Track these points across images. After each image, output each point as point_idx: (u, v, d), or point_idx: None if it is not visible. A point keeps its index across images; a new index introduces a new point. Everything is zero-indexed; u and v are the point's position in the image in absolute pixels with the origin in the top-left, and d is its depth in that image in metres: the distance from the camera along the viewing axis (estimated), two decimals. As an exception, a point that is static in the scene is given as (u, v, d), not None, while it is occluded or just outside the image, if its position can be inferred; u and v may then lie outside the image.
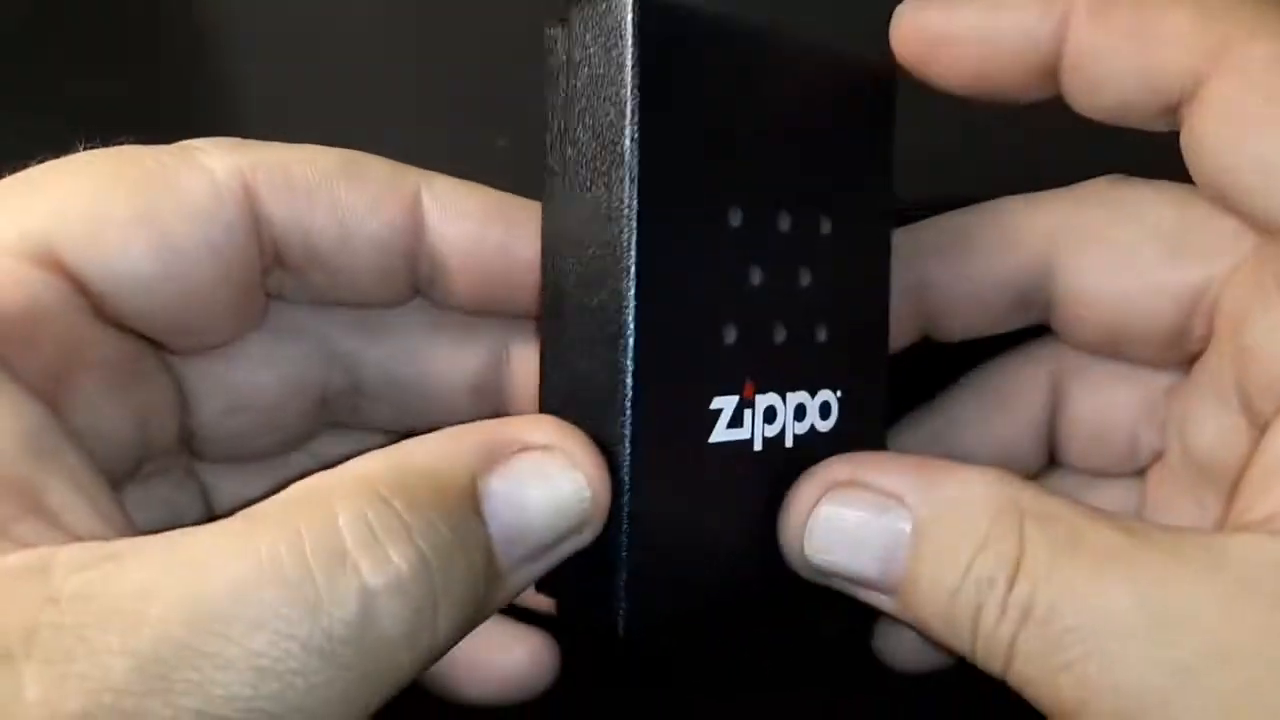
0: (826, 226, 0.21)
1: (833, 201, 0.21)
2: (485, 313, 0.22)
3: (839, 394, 0.21)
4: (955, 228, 0.24)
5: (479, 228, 0.20)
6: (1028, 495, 0.19)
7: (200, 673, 0.14)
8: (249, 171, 0.19)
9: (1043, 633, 0.18)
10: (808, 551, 0.20)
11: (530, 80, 0.37)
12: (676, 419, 0.19)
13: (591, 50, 0.18)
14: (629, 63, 0.18)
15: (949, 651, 0.19)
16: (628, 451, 0.19)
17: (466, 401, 0.22)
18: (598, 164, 0.18)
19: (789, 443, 0.21)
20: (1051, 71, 0.21)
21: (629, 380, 0.18)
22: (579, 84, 0.19)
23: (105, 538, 0.16)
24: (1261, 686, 0.16)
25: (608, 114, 0.18)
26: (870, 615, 0.22)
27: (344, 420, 0.23)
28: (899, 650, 0.24)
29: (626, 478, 0.19)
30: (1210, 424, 0.22)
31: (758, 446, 0.20)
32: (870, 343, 0.22)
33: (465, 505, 0.17)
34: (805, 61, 0.20)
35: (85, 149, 0.19)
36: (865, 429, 0.22)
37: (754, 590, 0.21)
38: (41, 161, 0.19)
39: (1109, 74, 0.21)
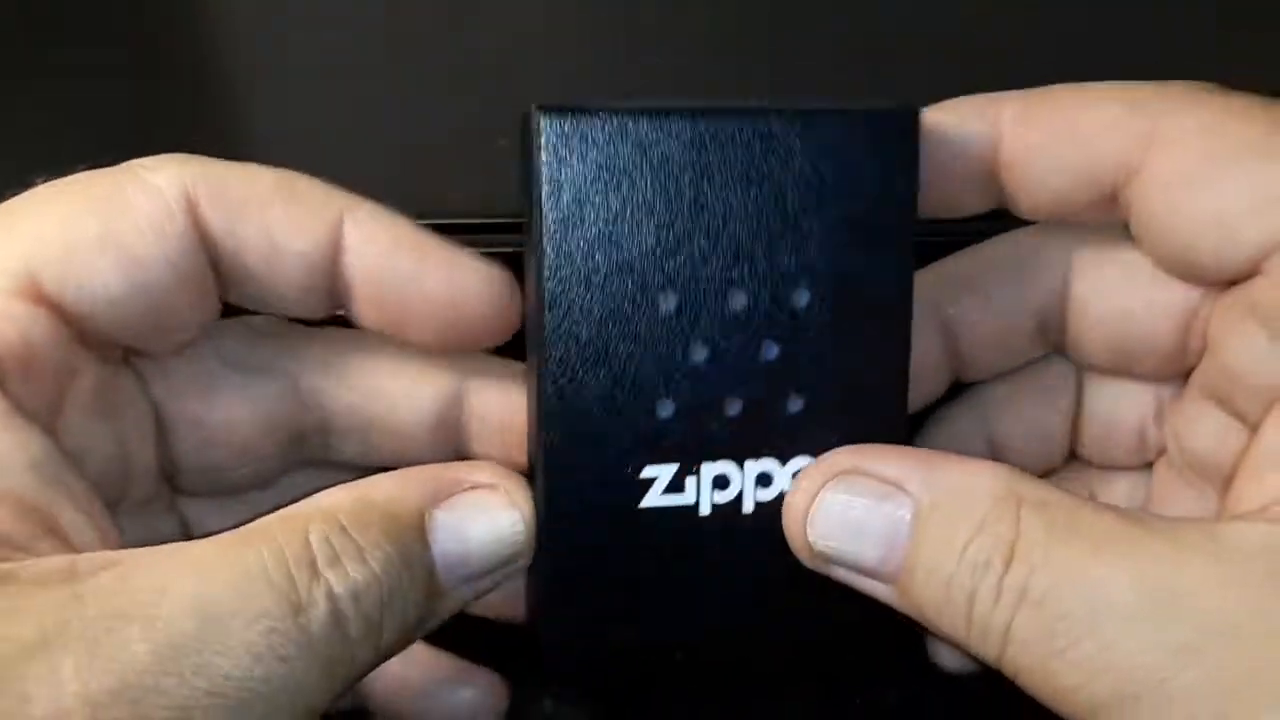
0: (803, 299, 0.21)
1: (812, 272, 0.21)
2: (395, 337, 0.23)
3: None
4: (973, 268, 0.25)
5: (390, 256, 0.22)
6: (1027, 485, 0.19)
7: (206, 658, 0.16)
8: (191, 186, 0.21)
9: (1038, 616, 0.18)
10: (811, 537, 0.21)
11: (531, 81, 0.37)
12: (594, 485, 0.21)
13: (527, 153, 0.20)
14: (537, 167, 0.20)
15: (946, 640, 0.20)
16: (541, 511, 0.21)
17: (429, 438, 0.24)
18: (529, 247, 0.21)
19: (747, 508, 0.22)
20: (992, 178, 0.22)
21: (541, 451, 0.21)
22: (525, 178, 0.21)
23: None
24: (1259, 664, 0.17)
25: (531, 211, 0.21)
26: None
27: (317, 456, 0.24)
28: (948, 652, 0.25)
29: (541, 535, 0.21)
30: (1207, 424, 0.23)
31: (704, 511, 0.22)
32: (877, 406, 0.22)
33: (411, 533, 0.20)
34: (771, 138, 0.20)
35: (44, 181, 0.21)
36: None
37: (702, 639, 0.23)
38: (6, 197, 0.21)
39: (1045, 173, 0.21)
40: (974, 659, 0.20)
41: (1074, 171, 0.21)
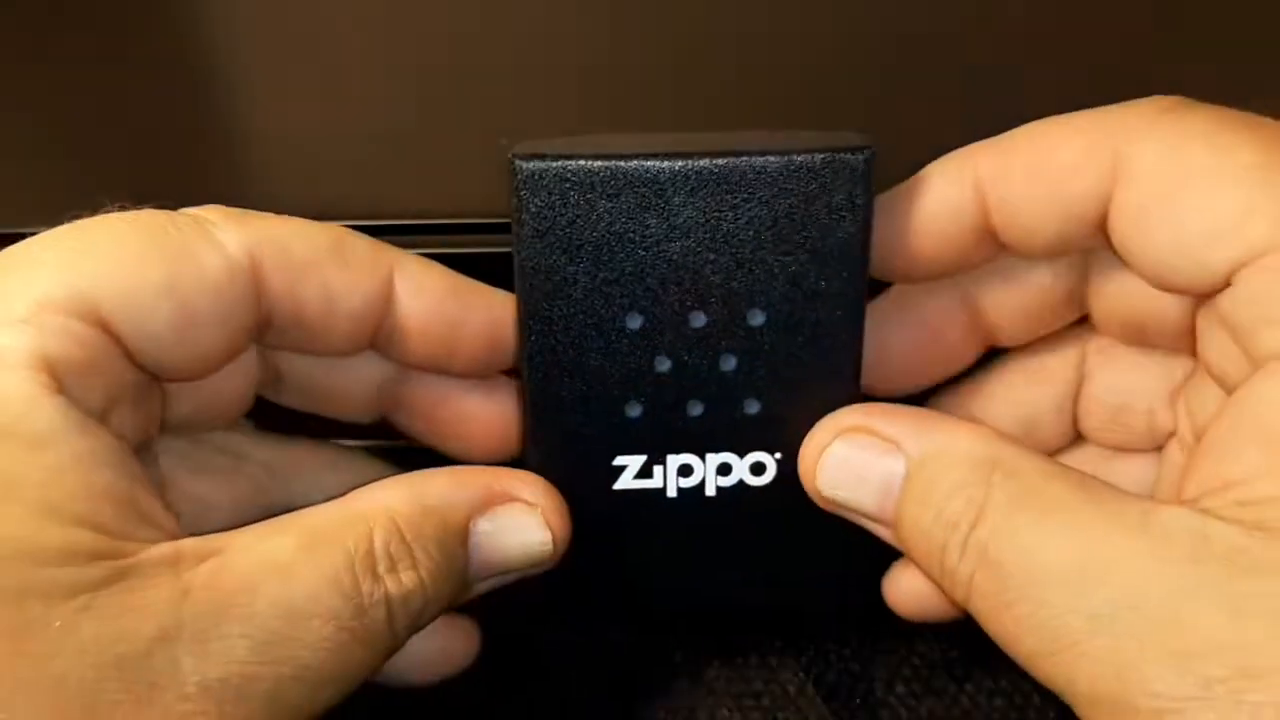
0: (757, 318, 0.24)
1: (768, 295, 0.24)
2: (434, 369, 0.26)
3: (777, 456, 0.25)
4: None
5: (438, 305, 0.24)
6: (1006, 451, 0.22)
7: (291, 650, 0.19)
8: (255, 248, 0.23)
9: (992, 573, 0.20)
10: (819, 484, 0.24)
11: (532, 83, 0.37)
12: (573, 471, 0.25)
13: (511, 192, 0.23)
14: (515, 206, 0.23)
15: (932, 580, 0.22)
16: None
17: (366, 402, 0.27)
18: (515, 273, 0.24)
19: (710, 492, 0.25)
20: (988, 231, 0.23)
21: (529, 441, 0.25)
22: (511, 212, 0.23)
23: (177, 531, 0.21)
24: (1156, 639, 0.18)
25: (514, 242, 0.23)
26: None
27: (269, 397, 0.27)
28: (903, 600, 0.26)
29: None
30: (1212, 405, 0.23)
31: (671, 494, 0.25)
32: (829, 406, 0.24)
33: (457, 539, 0.23)
34: (728, 178, 0.23)
35: (116, 209, 0.22)
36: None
37: (670, 596, 0.27)
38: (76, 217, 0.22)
39: (1032, 221, 0.23)
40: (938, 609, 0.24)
41: (1056, 214, 0.22)
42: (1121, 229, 0.22)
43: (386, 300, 0.24)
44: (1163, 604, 0.18)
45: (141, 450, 0.23)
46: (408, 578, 0.21)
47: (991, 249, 0.24)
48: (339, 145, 0.34)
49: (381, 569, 0.21)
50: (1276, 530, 0.18)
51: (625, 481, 0.25)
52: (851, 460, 0.23)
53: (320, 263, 0.23)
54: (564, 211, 0.23)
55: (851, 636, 0.29)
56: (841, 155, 0.23)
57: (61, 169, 0.34)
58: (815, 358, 0.24)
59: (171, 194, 0.33)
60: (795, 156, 0.23)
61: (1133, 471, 0.26)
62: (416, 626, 0.22)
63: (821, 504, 0.24)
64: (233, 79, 0.38)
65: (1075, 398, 0.26)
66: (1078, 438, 0.27)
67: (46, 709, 0.17)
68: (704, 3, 0.40)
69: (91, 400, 0.21)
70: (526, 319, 0.24)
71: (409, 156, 0.33)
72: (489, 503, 0.23)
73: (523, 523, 0.24)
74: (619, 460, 0.25)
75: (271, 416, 0.27)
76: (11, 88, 0.38)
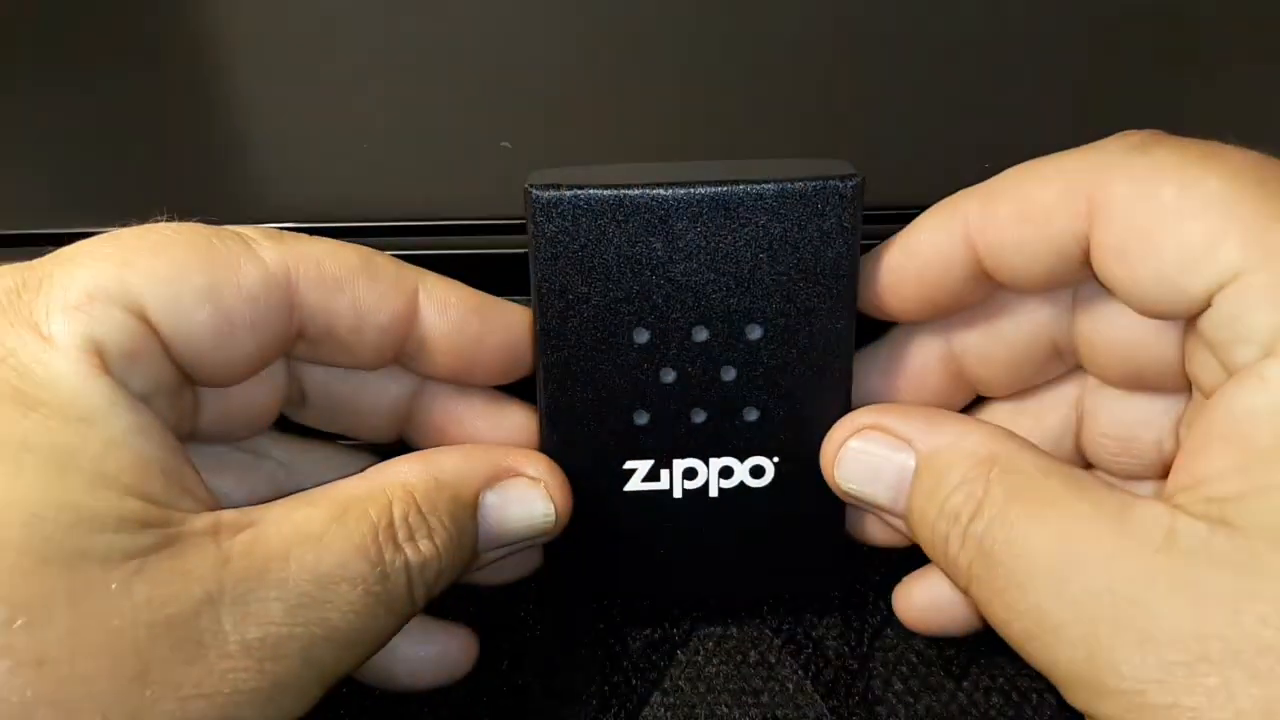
0: (755, 333, 0.26)
1: (765, 311, 0.25)
2: (456, 381, 0.27)
3: (775, 460, 0.27)
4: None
5: (461, 320, 0.26)
6: (1008, 448, 0.23)
7: (322, 612, 0.21)
8: (292, 264, 0.24)
9: (987, 563, 0.22)
10: (838, 478, 0.26)
11: (533, 86, 0.37)
12: (586, 474, 0.27)
13: (527, 218, 0.25)
14: (531, 232, 0.25)
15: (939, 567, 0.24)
16: None
17: (385, 421, 0.28)
18: (531, 292, 0.25)
19: (713, 493, 0.27)
20: (984, 274, 0.25)
21: (546, 444, 0.27)
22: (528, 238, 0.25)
23: (216, 504, 0.22)
24: (1128, 623, 0.20)
25: (530, 264, 0.25)
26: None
27: (291, 416, 0.28)
28: (911, 614, 0.28)
29: None
30: None
31: (677, 495, 0.27)
32: (824, 414, 0.26)
33: (467, 511, 0.24)
34: (727, 204, 0.24)
35: (165, 220, 0.24)
36: (811, 488, 0.27)
37: (672, 582, 0.29)
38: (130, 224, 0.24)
39: (1021, 262, 0.24)
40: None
41: (1043, 254, 0.24)
42: (1103, 264, 0.23)
43: (412, 315, 0.25)
44: (1130, 592, 0.20)
45: (184, 435, 0.24)
46: (425, 546, 0.23)
47: (986, 288, 0.25)
48: (340, 146, 0.34)
49: (401, 538, 0.22)
50: (1237, 526, 0.20)
51: (635, 484, 0.27)
52: (867, 456, 0.25)
53: (352, 279, 0.24)
54: (575, 236, 0.24)
55: (850, 634, 0.29)
56: (831, 183, 0.24)
57: (65, 171, 0.34)
58: (809, 368, 0.26)
59: (172, 192, 0.33)
60: (789, 184, 0.24)
61: (1147, 493, 0.26)
62: (432, 593, 0.23)
63: (841, 496, 0.26)
64: (237, 79, 0.39)
65: (1076, 435, 0.27)
66: (1084, 466, 0.27)
67: (105, 664, 0.19)
68: (704, 5, 0.41)
69: (135, 385, 0.22)
70: (542, 334, 0.25)
71: (416, 159, 0.33)
72: (497, 477, 0.25)
73: (527, 495, 0.25)
74: (629, 464, 0.27)
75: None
76: (13, 88, 0.38)
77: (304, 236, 0.25)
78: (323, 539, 0.22)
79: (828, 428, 0.26)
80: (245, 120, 0.37)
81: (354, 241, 0.30)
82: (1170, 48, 0.37)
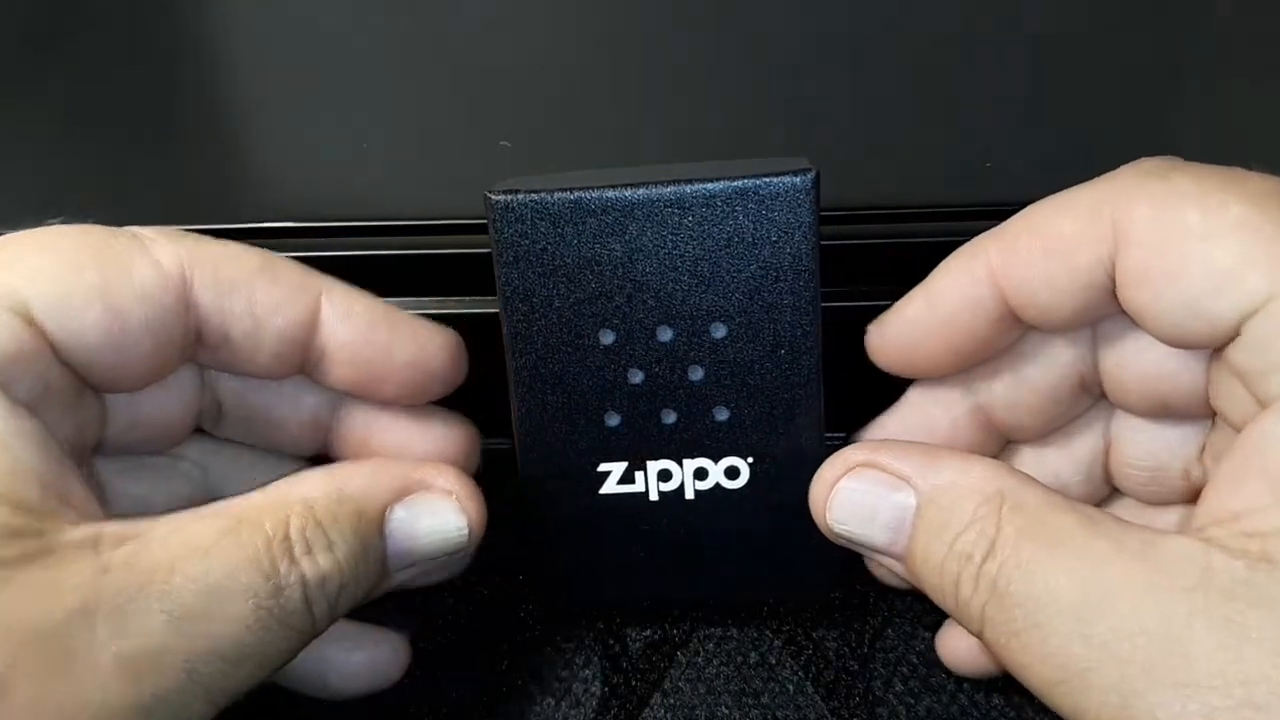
0: (720, 331, 0.26)
1: (727, 309, 0.25)
2: (364, 396, 0.26)
3: (749, 460, 0.27)
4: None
5: (366, 330, 0.25)
6: (1012, 484, 0.22)
7: (207, 626, 0.20)
8: (188, 265, 0.24)
9: (1002, 604, 0.21)
10: (829, 520, 0.24)
11: (533, 86, 0.37)
12: (561, 478, 0.27)
13: (489, 225, 0.25)
14: (493, 237, 0.25)
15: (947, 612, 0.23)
16: (526, 494, 0.27)
17: (304, 433, 0.27)
18: (498, 297, 0.26)
19: (689, 495, 0.27)
20: (1011, 316, 0.24)
21: (518, 450, 0.27)
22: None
23: (100, 516, 0.21)
24: (1165, 666, 0.18)
25: (495, 268, 0.25)
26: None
27: (209, 430, 0.28)
28: (958, 657, 0.27)
29: (523, 514, 0.28)
30: None
31: (653, 497, 0.27)
32: (795, 414, 0.26)
33: (373, 527, 0.23)
34: (683, 204, 0.25)
35: (57, 223, 0.23)
36: (788, 489, 0.26)
37: (655, 586, 0.28)
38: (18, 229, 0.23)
39: (1050, 300, 0.23)
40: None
41: (1070, 288, 0.23)
42: (1129, 294, 0.22)
43: (313, 322, 0.25)
44: (1165, 633, 0.19)
45: (77, 457, 0.24)
46: (324, 560, 0.22)
47: (1015, 331, 0.25)
48: (340, 146, 0.34)
49: (298, 552, 0.22)
50: (1279, 562, 0.19)
51: (610, 487, 0.27)
52: (862, 496, 0.24)
53: (249, 281, 0.24)
54: (536, 240, 0.25)
55: (851, 635, 0.29)
56: (785, 179, 0.25)
57: (63, 170, 0.34)
58: (777, 366, 0.26)
59: (171, 192, 0.33)
60: (743, 181, 0.25)
61: (1174, 521, 0.26)
62: (335, 611, 0.22)
63: (832, 539, 0.25)
64: (235, 79, 0.39)
65: (1104, 464, 0.27)
66: (1112, 492, 0.27)
67: None
68: (705, 5, 0.41)
69: (18, 390, 0.21)
70: (510, 338, 0.26)
71: (416, 159, 0.33)
72: (406, 490, 0.24)
73: (438, 509, 0.24)
74: (603, 466, 0.27)
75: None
76: (11, 88, 0.38)
77: (204, 238, 0.24)
78: (211, 550, 0.21)
79: (799, 426, 0.26)
80: (245, 120, 0.37)
81: (353, 241, 0.30)
82: (1147, 54, 0.37)
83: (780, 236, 0.25)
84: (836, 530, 0.24)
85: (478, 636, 0.29)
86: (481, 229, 0.25)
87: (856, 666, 0.28)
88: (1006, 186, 0.30)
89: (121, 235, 0.23)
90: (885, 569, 0.26)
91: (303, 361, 0.25)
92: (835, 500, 0.24)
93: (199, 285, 0.24)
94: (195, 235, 0.24)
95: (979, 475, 0.22)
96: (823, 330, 0.26)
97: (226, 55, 0.40)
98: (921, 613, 0.29)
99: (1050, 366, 0.26)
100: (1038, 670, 0.20)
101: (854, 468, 0.24)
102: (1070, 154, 0.32)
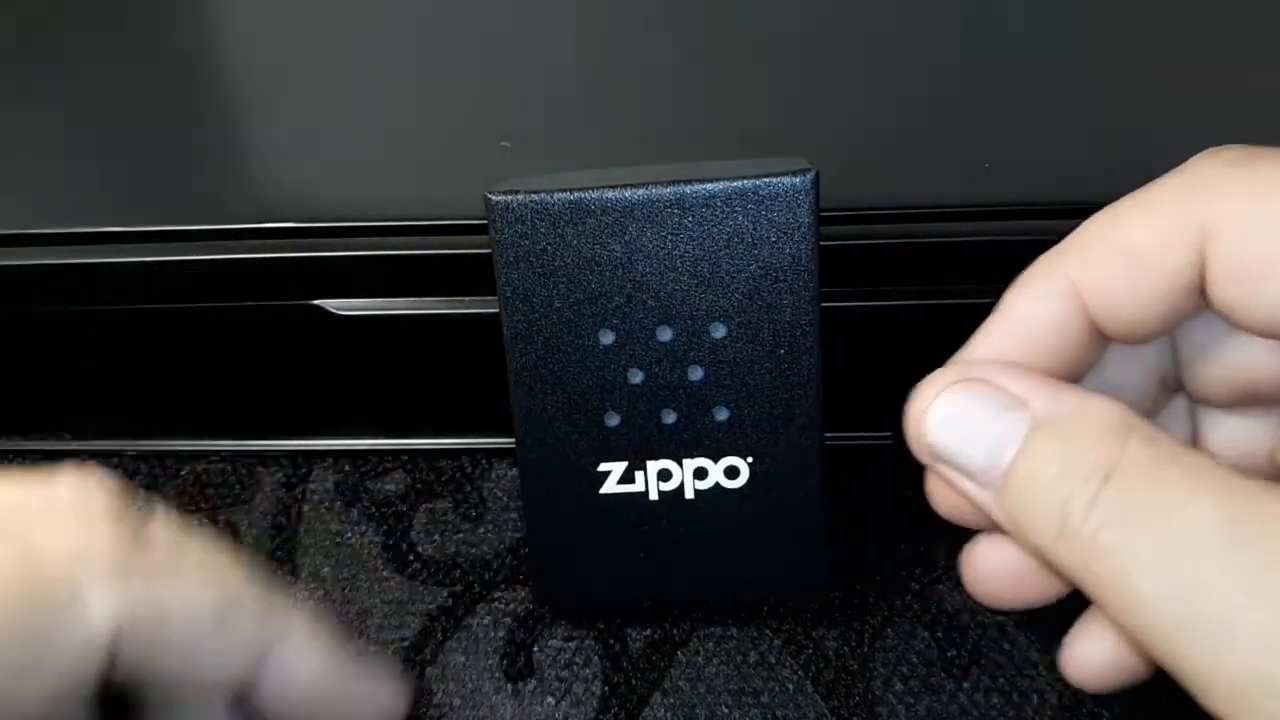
0: (719, 332, 0.26)
1: (727, 309, 0.26)
2: None
3: (749, 460, 0.27)
4: None
5: (315, 688, 0.23)
6: (1139, 421, 0.20)
7: None
8: (127, 620, 0.21)
9: (1125, 531, 0.19)
10: (925, 432, 0.22)
11: (533, 86, 0.37)
12: (562, 478, 0.27)
13: (489, 225, 0.25)
14: (492, 237, 0.25)
15: (1028, 549, 0.21)
16: (525, 497, 0.28)
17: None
18: (498, 297, 0.26)
19: (689, 495, 0.27)
20: (1098, 335, 0.23)
21: (520, 451, 0.27)
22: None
23: None
24: None
25: (494, 269, 0.25)
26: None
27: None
28: (1083, 671, 0.25)
29: (526, 515, 0.28)
30: None
31: (653, 497, 0.27)
32: (795, 413, 0.26)
33: None
34: (682, 204, 0.25)
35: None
36: (788, 489, 0.27)
37: (655, 586, 0.28)
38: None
39: (1136, 310, 0.22)
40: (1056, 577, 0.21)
41: (1157, 295, 0.22)
42: (1223, 291, 0.21)
43: (253, 676, 0.23)
44: None
45: None
46: None
47: (1099, 348, 0.24)
48: (340, 146, 0.34)
49: None
50: None
51: (610, 486, 0.27)
52: (970, 411, 0.22)
53: (194, 636, 0.22)
54: (535, 240, 0.25)
55: (850, 634, 0.29)
56: (785, 178, 0.25)
57: (63, 170, 0.34)
58: (777, 366, 0.26)
59: (171, 190, 0.33)
60: (743, 182, 0.25)
61: None
62: None
63: (921, 454, 0.22)
64: (235, 79, 0.39)
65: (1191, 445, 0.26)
66: None
67: None
68: (705, 5, 0.41)
69: None
70: (510, 338, 0.26)
71: (415, 159, 0.33)
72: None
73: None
74: (603, 466, 0.27)
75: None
76: (11, 87, 0.38)
77: (163, 569, 0.22)
78: None
79: (799, 426, 0.26)
80: (244, 120, 0.37)
81: (353, 241, 0.30)
82: (1147, 54, 0.37)
83: (780, 237, 0.25)
84: (931, 442, 0.22)
85: (478, 636, 0.29)
86: (481, 229, 0.25)
87: (856, 666, 0.28)
88: (1006, 186, 0.30)
89: (51, 592, 0.21)
90: (949, 496, 0.23)
91: (239, 700, 0.23)
92: (939, 411, 0.22)
93: (136, 639, 0.21)
94: (154, 565, 0.22)
95: (1104, 407, 0.21)
96: (823, 330, 0.26)
97: (226, 55, 0.40)
98: (921, 612, 0.29)
99: (1134, 373, 0.25)
100: (1159, 609, 0.18)
101: (965, 382, 0.22)
102: (1071, 154, 0.32)
